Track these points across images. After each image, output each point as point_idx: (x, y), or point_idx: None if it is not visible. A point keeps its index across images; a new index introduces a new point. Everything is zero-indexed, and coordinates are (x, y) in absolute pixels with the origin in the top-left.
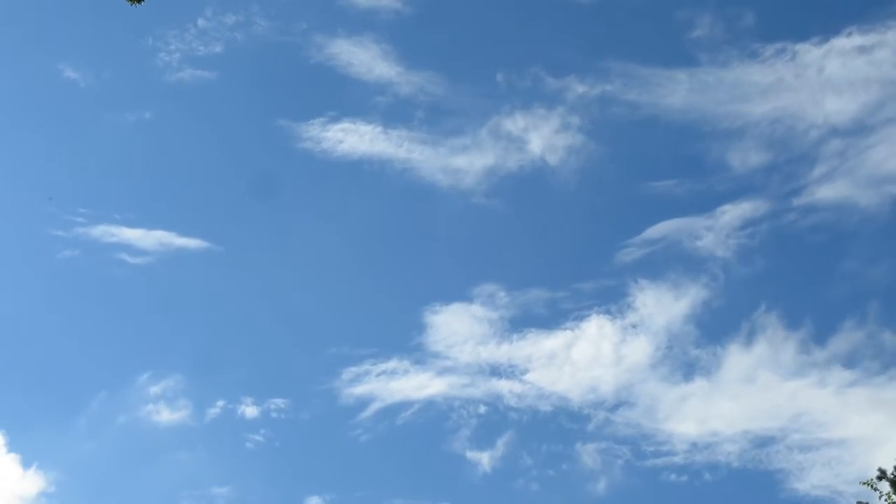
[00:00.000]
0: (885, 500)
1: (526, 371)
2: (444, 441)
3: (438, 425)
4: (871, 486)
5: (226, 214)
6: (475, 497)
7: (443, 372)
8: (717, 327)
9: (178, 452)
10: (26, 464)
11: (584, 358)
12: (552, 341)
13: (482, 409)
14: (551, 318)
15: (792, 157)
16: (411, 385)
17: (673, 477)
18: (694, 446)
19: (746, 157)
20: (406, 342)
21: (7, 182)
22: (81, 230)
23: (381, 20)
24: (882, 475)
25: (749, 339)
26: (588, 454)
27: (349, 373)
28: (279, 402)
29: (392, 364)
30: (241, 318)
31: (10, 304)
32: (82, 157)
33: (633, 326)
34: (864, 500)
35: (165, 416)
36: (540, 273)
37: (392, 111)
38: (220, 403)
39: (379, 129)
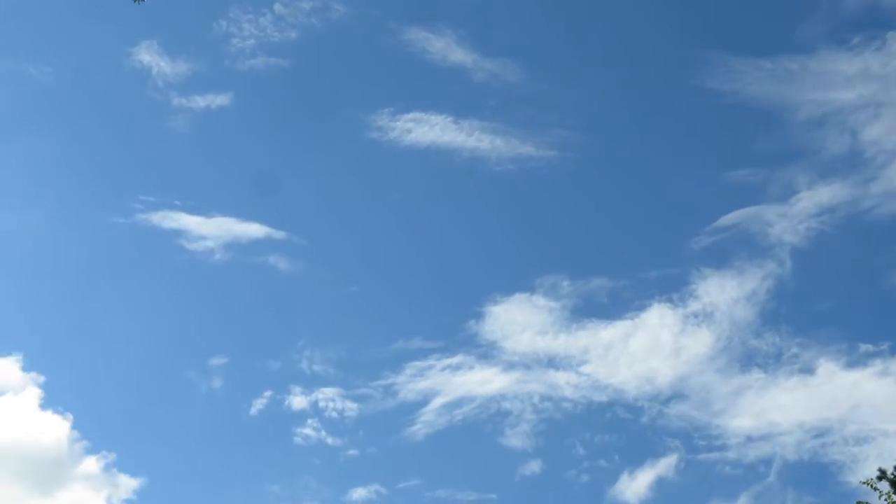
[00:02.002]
0: (885, 499)
1: (583, 362)
2: (498, 434)
3: (494, 419)
4: (872, 486)
5: (290, 202)
6: (524, 489)
7: (502, 365)
8: (778, 317)
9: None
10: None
11: (642, 348)
12: (612, 331)
13: (538, 400)
14: (613, 308)
15: (873, 145)
16: (474, 379)
17: (727, 469)
18: (749, 439)
19: (827, 145)
20: (467, 334)
21: (76, 169)
22: (142, 216)
23: (459, 5)
24: (882, 475)
25: (810, 329)
26: (640, 446)
27: (413, 367)
28: (329, 391)
29: (456, 359)
30: (302, 307)
31: (78, 291)
32: (150, 144)
33: (695, 315)
34: (864, 500)
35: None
36: (605, 262)
37: (464, 99)
38: (268, 394)
39: (450, 119)
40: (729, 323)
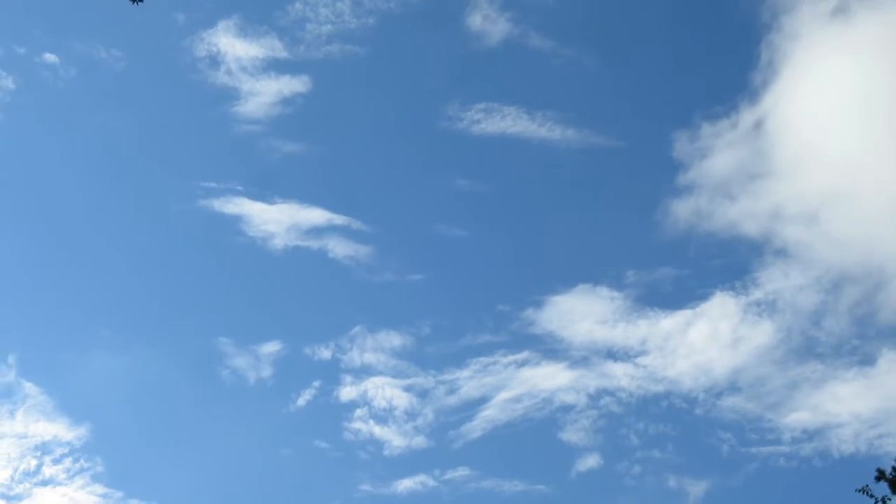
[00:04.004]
0: (883, 501)
1: (642, 353)
2: (557, 429)
3: (554, 414)
4: (867, 493)
5: (356, 188)
6: (579, 484)
7: (567, 360)
8: (840, 306)
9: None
10: None
11: (700, 339)
12: (672, 321)
13: (597, 394)
14: (675, 297)
15: None
16: (538, 375)
17: (782, 462)
18: (804, 431)
19: None
20: (526, 324)
21: (140, 154)
22: (203, 202)
23: None
24: (881, 476)
25: (872, 319)
26: (693, 438)
27: (478, 363)
28: (379, 381)
29: (522, 355)
30: (363, 299)
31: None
32: (217, 129)
33: (757, 304)
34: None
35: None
36: (670, 251)
37: (538, 89)
38: (317, 384)
39: (523, 109)
40: (791, 312)
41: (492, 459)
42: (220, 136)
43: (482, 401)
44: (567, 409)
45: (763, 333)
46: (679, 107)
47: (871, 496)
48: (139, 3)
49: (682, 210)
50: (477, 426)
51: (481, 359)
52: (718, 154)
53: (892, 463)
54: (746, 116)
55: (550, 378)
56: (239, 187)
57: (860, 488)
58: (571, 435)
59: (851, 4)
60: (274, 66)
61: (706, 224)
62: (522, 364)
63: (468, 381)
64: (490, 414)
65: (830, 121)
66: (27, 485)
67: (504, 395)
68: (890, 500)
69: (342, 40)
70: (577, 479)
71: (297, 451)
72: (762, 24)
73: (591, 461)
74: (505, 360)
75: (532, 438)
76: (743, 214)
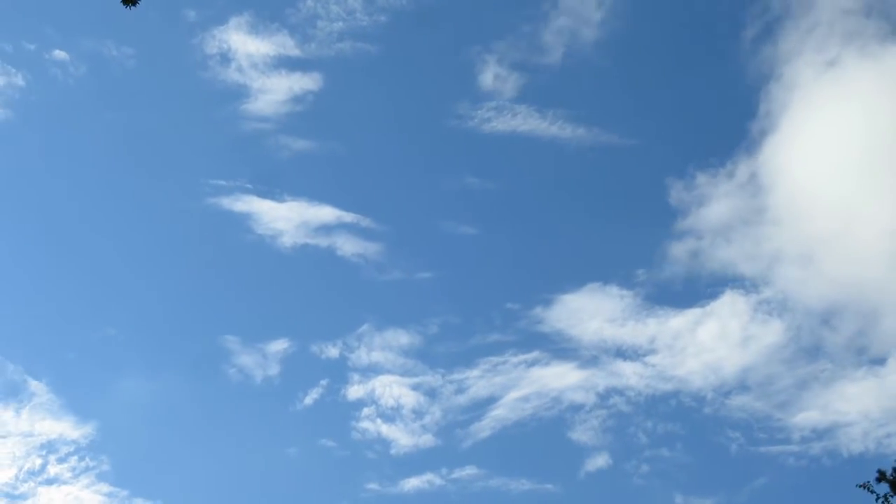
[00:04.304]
0: (883, 502)
1: (651, 352)
2: (567, 428)
3: (564, 414)
4: (869, 489)
5: (365, 186)
6: (589, 483)
7: (573, 358)
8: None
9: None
10: None
11: (710, 337)
12: (682, 319)
13: (606, 394)
14: (685, 296)
15: None
16: (548, 375)
17: (791, 461)
18: (813, 431)
19: None
20: (535, 322)
21: (150, 152)
22: (212, 200)
23: None
24: (882, 476)
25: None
26: (702, 437)
27: (487, 362)
28: (387, 379)
29: (532, 355)
30: (371, 297)
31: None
32: (226, 127)
33: (767, 303)
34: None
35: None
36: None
37: (549, 87)
38: (324, 382)
39: (533, 108)
40: (802, 311)
41: (500, 459)
42: (230, 133)
43: (491, 400)
44: (576, 408)
45: (772, 332)
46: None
47: (873, 492)
48: (132, 6)
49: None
50: (486, 425)
51: (491, 358)
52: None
53: (893, 464)
54: (742, 167)
55: (560, 377)
56: (248, 185)
57: (861, 484)
58: (581, 434)
59: (845, 56)
60: (285, 64)
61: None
62: (532, 363)
63: (478, 380)
64: (499, 413)
65: (826, 169)
66: (32, 483)
67: (514, 394)
68: (892, 497)
69: (353, 38)
70: (585, 478)
71: (303, 449)
72: (762, 74)
73: (600, 461)
74: (515, 359)
75: (541, 438)
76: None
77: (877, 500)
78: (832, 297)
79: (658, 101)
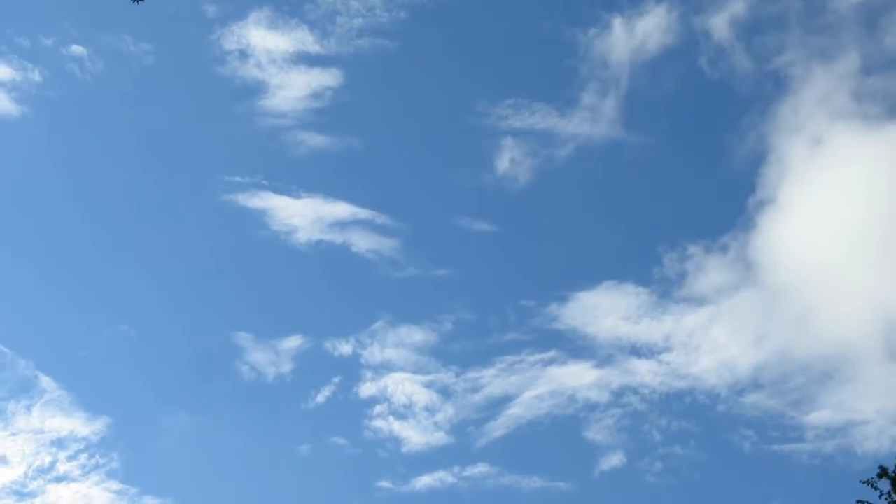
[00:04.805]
0: (886, 499)
1: (665, 350)
2: (582, 428)
3: (579, 413)
4: (872, 486)
5: (382, 183)
6: (603, 482)
7: (589, 357)
8: None
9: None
10: None
11: (724, 335)
12: (698, 316)
13: (618, 389)
14: (701, 291)
15: None
16: (565, 373)
17: (805, 459)
18: (826, 429)
19: None
20: (550, 320)
21: (166, 148)
22: (228, 196)
23: None
24: (883, 473)
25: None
26: (715, 435)
27: (503, 361)
28: (400, 377)
29: (549, 354)
30: (385, 293)
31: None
32: (243, 123)
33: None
34: (864, 500)
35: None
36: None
37: (570, 88)
38: (336, 380)
39: (552, 106)
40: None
41: (513, 457)
42: (247, 130)
43: (506, 399)
44: (592, 407)
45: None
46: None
47: (877, 489)
48: (140, 1)
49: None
50: (500, 424)
51: (507, 357)
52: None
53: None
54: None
55: (576, 377)
56: (264, 181)
57: (865, 480)
58: (596, 434)
59: (834, 137)
60: (304, 60)
61: None
62: (549, 363)
63: (493, 379)
64: (514, 412)
65: (817, 245)
66: (41, 481)
67: (529, 393)
68: (894, 495)
69: (372, 34)
70: (599, 477)
71: (315, 447)
72: (754, 154)
73: (614, 460)
74: (531, 358)
75: (555, 437)
76: None
77: (881, 496)
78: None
79: None
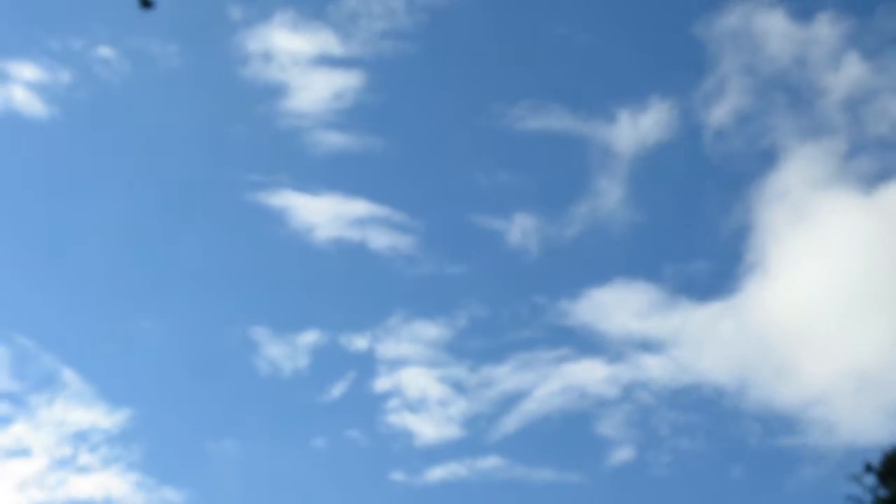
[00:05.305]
0: (871, 492)
1: (674, 345)
2: (593, 422)
3: (591, 408)
4: (859, 480)
5: (399, 181)
6: (613, 476)
7: (601, 353)
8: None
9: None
10: None
11: (731, 330)
12: (706, 312)
13: (628, 384)
14: (711, 288)
15: None
16: (577, 370)
17: (807, 454)
18: (830, 430)
19: None
20: (562, 316)
21: (188, 149)
22: (249, 195)
23: None
24: (868, 468)
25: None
26: (722, 429)
27: (517, 358)
28: (414, 372)
29: (561, 351)
30: (401, 289)
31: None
32: (265, 123)
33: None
34: (854, 496)
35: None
36: (707, 243)
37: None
38: (352, 374)
39: (567, 108)
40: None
41: (524, 451)
42: (269, 130)
43: (520, 395)
44: (602, 402)
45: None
46: None
47: (862, 483)
48: (149, 8)
49: None
50: (513, 419)
51: (521, 354)
52: None
53: (881, 456)
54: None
55: (588, 373)
56: (285, 180)
57: (852, 475)
58: (606, 428)
59: (821, 206)
60: (327, 61)
61: None
62: (562, 360)
63: (507, 374)
64: (527, 408)
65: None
66: (63, 473)
67: (542, 389)
68: (878, 489)
69: (394, 37)
70: (609, 470)
71: (330, 441)
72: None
73: (624, 454)
74: (545, 355)
75: (567, 432)
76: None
77: (866, 491)
78: None
79: None
